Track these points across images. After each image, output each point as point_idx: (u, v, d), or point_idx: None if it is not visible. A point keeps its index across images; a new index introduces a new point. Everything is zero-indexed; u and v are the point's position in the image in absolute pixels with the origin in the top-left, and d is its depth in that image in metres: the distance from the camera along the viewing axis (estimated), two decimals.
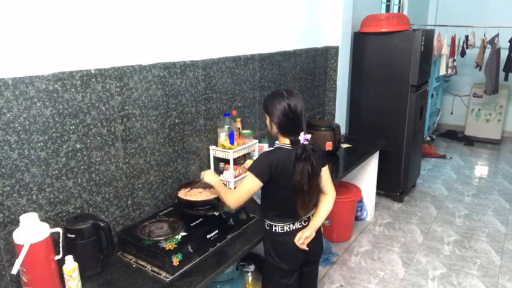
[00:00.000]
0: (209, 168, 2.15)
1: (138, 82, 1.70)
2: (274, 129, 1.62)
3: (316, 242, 1.75)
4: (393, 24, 3.54)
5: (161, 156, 1.87)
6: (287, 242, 1.68)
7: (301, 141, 1.55)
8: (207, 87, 2.08)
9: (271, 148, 1.65)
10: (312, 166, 1.58)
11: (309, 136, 1.57)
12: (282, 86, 2.73)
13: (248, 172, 1.60)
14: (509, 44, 5.28)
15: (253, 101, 2.47)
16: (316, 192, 1.68)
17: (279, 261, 1.69)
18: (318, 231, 1.75)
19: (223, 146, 2.09)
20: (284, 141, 1.61)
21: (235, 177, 2.09)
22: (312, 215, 1.73)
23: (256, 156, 2.24)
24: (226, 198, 1.64)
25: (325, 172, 1.72)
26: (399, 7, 5.32)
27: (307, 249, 1.68)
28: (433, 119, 5.97)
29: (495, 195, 4.06)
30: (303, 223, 1.69)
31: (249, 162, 2.25)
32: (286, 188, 1.57)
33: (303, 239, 1.67)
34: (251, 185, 1.58)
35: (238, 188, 1.63)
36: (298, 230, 1.68)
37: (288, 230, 1.67)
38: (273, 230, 1.68)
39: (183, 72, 1.91)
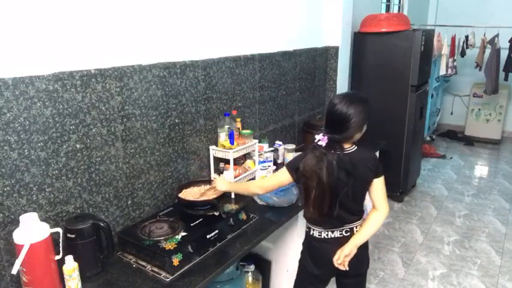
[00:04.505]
0: (209, 168, 2.15)
1: (138, 82, 1.70)
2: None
3: (359, 257, 1.63)
4: (393, 24, 3.55)
5: (161, 156, 1.87)
6: (322, 250, 1.63)
7: (315, 140, 1.54)
8: (207, 87, 2.08)
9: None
10: (328, 170, 1.49)
11: (320, 137, 1.52)
12: (282, 86, 2.74)
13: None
14: (509, 44, 5.28)
15: (253, 101, 2.47)
16: (332, 203, 1.54)
17: (312, 265, 1.66)
18: (362, 245, 1.64)
19: (223, 146, 2.09)
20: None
21: (235, 177, 2.09)
22: (357, 227, 1.64)
23: (256, 156, 2.24)
24: (252, 186, 1.75)
25: (376, 184, 1.58)
26: (399, 7, 5.32)
27: (347, 269, 1.59)
28: (433, 119, 5.97)
29: (495, 195, 4.07)
30: (344, 233, 1.61)
31: (249, 162, 2.25)
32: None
33: (342, 259, 1.57)
34: (281, 175, 1.64)
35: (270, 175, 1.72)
36: (336, 239, 1.60)
37: (326, 237, 1.61)
38: (311, 234, 1.66)
39: (183, 72, 1.91)
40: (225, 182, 1.78)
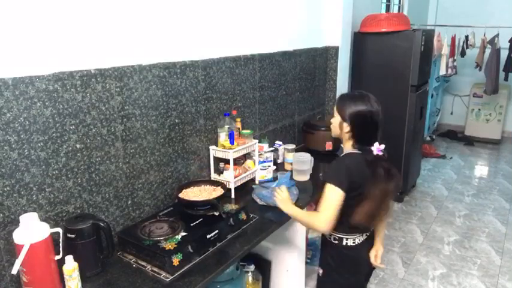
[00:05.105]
0: (209, 168, 2.15)
1: (138, 82, 1.70)
2: (346, 135, 1.55)
3: None
4: (393, 24, 3.55)
5: (161, 156, 1.87)
6: (357, 257, 1.62)
7: (375, 152, 1.50)
8: (207, 87, 2.08)
9: (346, 153, 1.57)
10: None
11: (383, 147, 1.50)
12: (282, 86, 2.74)
13: (327, 184, 1.48)
14: (509, 44, 5.28)
15: (253, 101, 2.47)
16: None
17: (349, 276, 1.62)
18: None
19: (223, 146, 2.09)
20: (351, 146, 1.56)
21: (235, 177, 2.09)
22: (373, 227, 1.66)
23: (256, 156, 2.24)
24: (314, 223, 1.50)
25: None
26: (399, 7, 5.32)
27: (385, 266, 1.65)
28: (433, 119, 5.97)
29: (495, 195, 4.07)
30: (367, 234, 1.64)
31: (249, 162, 2.25)
32: (361, 195, 1.49)
33: (379, 257, 1.62)
34: (335, 197, 1.45)
35: (323, 206, 1.48)
36: (365, 242, 1.62)
37: (359, 242, 1.60)
38: (343, 244, 1.60)
39: (183, 72, 1.91)
40: (289, 203, 1.64)
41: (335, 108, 1.61)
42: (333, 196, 1.46)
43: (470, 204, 3.85)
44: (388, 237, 3.21)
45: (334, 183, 1.46)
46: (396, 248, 3.05)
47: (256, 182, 2.27)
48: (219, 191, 1.84)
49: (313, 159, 2.38)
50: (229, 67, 2.21)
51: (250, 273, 2.20)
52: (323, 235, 1.69)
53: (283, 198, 1.67)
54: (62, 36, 1.40)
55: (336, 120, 1.60)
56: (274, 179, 2.28)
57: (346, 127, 1.55)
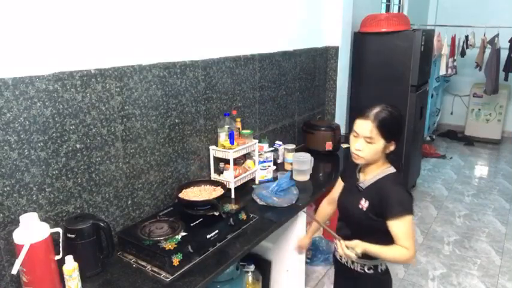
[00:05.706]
0: (209, 167, 2.15)
1: (138, 82, 1.70)
2: (384, 154, 1.48)
3: None
4: (393, 24, 3.54)
5: (161, 156, 1.87)
6: (390, 278, 1.61)
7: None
8: (207, 87, 2.08)
9: (389, 174, 1.49)
10: None
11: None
12: (282, 86, 2.74)
13: (403, 218, 1.39)
14: (509, 44, 5.28)
15: (253, 101, 2.47)
16: None
17: None
18: None
19: (223, 146, 2.09)
20: (387, 166, 1.51)
21: (235, 177, 2.09)
22: None
23: (256, 156, 2.24)
24: (407, 261, 1.41)
25: None
26: (399, 7, 5.32)
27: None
28: (433, 119, 5.97)
29: (495, 195, 4.07)
30: None
31: (249, 162, 2.25)
32: None
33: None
34: (411, 225, 1.41)
35: (407, 242, 1.38)
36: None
37: (387, 263, 1.58)
38: (379, 271, 1.55)
39: (183, 72, 1.91)
40: (359, 246, 1.43)
41: (376, 133, 1.42)
42: (410, 227, 1.41)
43: (470, 204, 3.85)
44: None
45: (408, 213, 1.40)
46: None
47: (256, 182, 2.27)
48: (219, 191, 1.84)
49: (313, 159, 2.38)
50: (229, 67, 2.21)
51: (250, 273, 2.20)
52: (341, 268, 1.64)
53: (350, 248, 1.44)
54: (62, 36, 1.40)
55: (378, 145, 1.44)
56: (274, 179, 2.28)
57: (392, 145, 1.47)
